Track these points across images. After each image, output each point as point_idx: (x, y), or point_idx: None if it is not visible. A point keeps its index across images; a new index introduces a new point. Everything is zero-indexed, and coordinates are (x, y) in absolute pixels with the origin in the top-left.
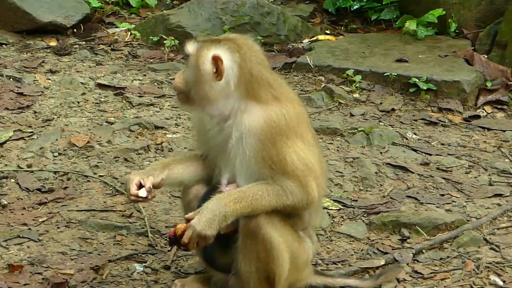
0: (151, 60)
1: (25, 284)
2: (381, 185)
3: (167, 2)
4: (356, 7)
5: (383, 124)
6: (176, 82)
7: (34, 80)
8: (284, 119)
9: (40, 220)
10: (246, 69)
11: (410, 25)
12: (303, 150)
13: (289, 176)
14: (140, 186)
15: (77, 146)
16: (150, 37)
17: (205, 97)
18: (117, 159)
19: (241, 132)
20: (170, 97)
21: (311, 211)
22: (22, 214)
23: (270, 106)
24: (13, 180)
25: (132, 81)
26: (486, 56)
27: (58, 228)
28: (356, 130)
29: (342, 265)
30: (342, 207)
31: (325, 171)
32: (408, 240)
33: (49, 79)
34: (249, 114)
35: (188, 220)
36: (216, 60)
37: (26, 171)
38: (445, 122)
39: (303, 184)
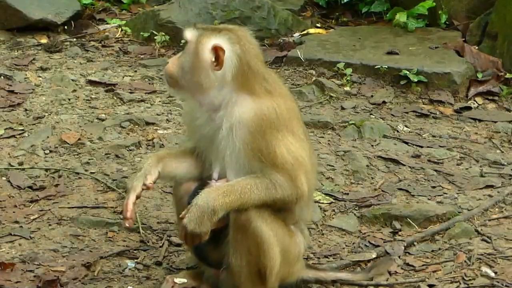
0: (142, 56)
1: (16, 282)
2: (372, 178)
3: None
4: (347, 0)
5: (374, 117)
6: (169, 66)
7: (25, 78)
8: (275, 113)
9: (32, 217)
10: (245, 61)
11: (401, 17)
12: (293, 144)
13: (278, 170)
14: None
15: (68, 143)
16: (141, 33)
17: (199, 85)
18: (108, 155)
19: (232, 124)
20: (161, 93)
21: (302, 205)
22: (14, 212)
23: (262, 100)
24: (4, 178)
25: (123, 77)
26: (476, 47)
27: (50, 225)
28: (347, 123)
29: (333, 258)
30: (334, 201)
31: (315, 166)
32: (399, 233)
33: (40, 77)
34: (240, 106)
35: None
36: (217, 50)
37: (17, 168)
38: (436, 114)
39: (292, 178)
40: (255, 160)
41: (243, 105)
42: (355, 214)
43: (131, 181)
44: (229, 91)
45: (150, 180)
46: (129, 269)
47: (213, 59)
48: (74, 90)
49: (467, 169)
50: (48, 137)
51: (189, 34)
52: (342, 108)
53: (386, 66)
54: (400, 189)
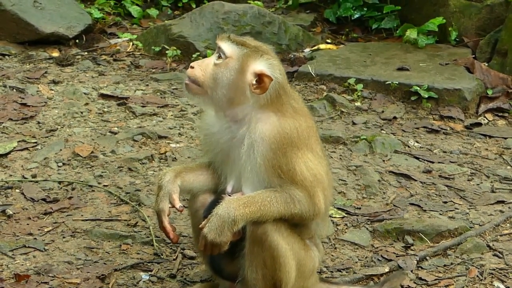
0: (153, 70)
1: None
2: (384, 192)
3: (169, 13)
4: (357, 16)
5: (385, 132)
6: (197, 72)
7: (37, 91)
8: (296, 131)
9: (46, 229)
10: (281, 86)
11: (411, 33)
12: (312, 161)
13: (297, 186)
14: None
15: (81, 156)
16: (152, 47)
17: (230, 99)
18: (121, 168)
19: (253, 139)
20: (173, 107)
21: (318, 221)
22: (28, 224)
23: (285, 118)
24: (18, 190)
25: (135, 91)
26: (486, 64)
27: (64, 237)
28: (358, 139)
29: (346, 272)
30: (346, 215)
31: (331, 183)
32: (412, 247)
33: (52, 90)
34: (263, 122)
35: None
36: (262, 76)
37: (31, 181)
38: (446, 130)
39: (310, 195)
40: (274, 176)
41: (266, 122)
42: (367, 228)
43: (157, 203)
44: (256, 108)
45: (178, 203)
46: (143, 281)
47: (254, 82)
48: (86, 104)
49: (478, 184)
50: (61, 149)
51: (229, 49)
52: (353, 123)
53: (397, 82)
54: (412, 204)
